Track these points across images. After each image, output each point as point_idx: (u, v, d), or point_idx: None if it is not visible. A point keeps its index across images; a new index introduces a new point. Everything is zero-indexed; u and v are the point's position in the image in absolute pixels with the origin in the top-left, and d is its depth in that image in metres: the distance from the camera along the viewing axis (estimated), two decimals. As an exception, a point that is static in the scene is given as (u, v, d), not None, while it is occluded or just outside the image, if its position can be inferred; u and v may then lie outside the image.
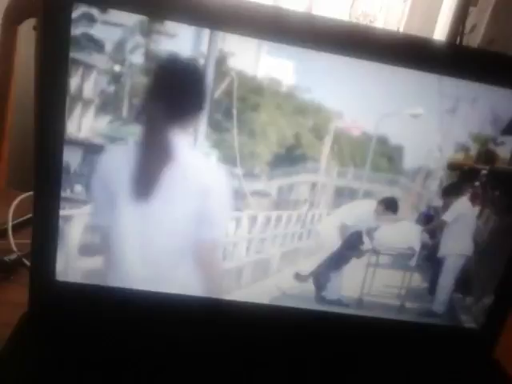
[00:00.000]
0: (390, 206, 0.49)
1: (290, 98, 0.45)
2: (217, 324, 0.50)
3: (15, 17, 0.90)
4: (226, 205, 0.47)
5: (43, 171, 0.45)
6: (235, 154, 0.45)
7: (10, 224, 0.66)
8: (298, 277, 0.49)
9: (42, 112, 0.43)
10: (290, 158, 0.46)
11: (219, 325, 0.50)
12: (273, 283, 0.50)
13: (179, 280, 0.49)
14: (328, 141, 0.46)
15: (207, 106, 0.44)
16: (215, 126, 0.45)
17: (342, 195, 0.48)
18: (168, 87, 0.44)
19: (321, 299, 0.52)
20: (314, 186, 0.48)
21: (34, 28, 0.90)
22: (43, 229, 0.47)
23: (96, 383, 0.43)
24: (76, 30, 0.42)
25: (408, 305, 0.54)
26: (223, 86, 0.44)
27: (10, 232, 0.65)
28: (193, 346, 0.49)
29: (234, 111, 0.44)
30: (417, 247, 0.52)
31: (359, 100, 0.45)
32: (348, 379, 0.50)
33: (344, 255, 0.50)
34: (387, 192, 0.49)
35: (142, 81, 0.43)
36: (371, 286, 0.52)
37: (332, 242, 0.50)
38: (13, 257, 0.61)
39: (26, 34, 0.93)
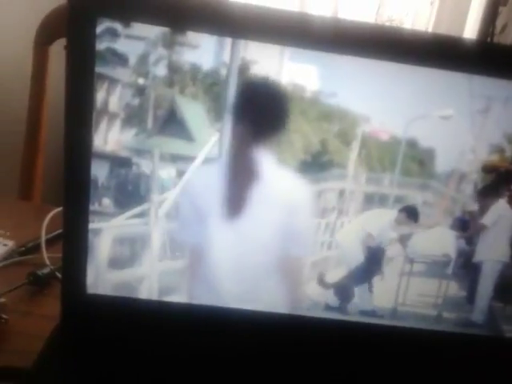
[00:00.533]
0: (411, 214, 0.48)
1: (315, 104, 0.44)
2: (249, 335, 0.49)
3: (46, 37, 0.93)
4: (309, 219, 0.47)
5: (71, 185, 0.46)
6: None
7: (44, 238, 0.67)
8: (322, 283, 0.48)
9: (69, 126, 0.44)
10: (316, 164, 0.46)
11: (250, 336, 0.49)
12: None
13: (263, 296, 0.49)
14: (355, 146, 0.45)
15: (230, 115, 0.44)
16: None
17: (372, 202, 0.47)
18: (252, 106, 0.44)
19: (352, 310, 0.51)
20: (342, 193, 0.47)
21: (65, 47, 0.92)
22: (73, 242, 0.47)
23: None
24: (100, 45, 0.42)
25: (445, 314, 0.51)
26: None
27: (43, 246, 0.66)
28: (233, 355, 0.48)
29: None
30: (453, 254, 0.50)
31: (387, 103, 0.44)
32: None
33: (370, 267, 0.49)
34: (419, 197, 0.47)
35: (214, 98, 0.43)
36: (406, 296, 0.50)
37: (356, 253, 0.49)
38: (46, 270, 0.62)
39: (58, 54, 0.96)
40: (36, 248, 0.67)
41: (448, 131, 0.45)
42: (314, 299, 0.50)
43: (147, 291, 0.48)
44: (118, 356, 0.47)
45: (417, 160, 0.46)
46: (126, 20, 0.42)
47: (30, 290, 0.60)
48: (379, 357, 0.51)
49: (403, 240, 0.49)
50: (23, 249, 0.67)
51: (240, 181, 0.45)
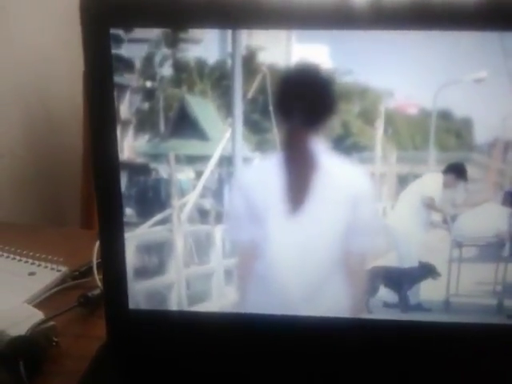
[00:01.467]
0: (459, 172, 0.42)
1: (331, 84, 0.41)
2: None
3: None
4: (373, 210, 0.44)
5: (103, 198, 0.45)
6: (279, 154, 0.42)
7: (95, 261, 0.68)
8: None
9: (94, 138, 0.43)
10: (340, 149, 0.42)
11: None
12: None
13: (328, 297, 0.46)
14: (380, 124, 0.41)
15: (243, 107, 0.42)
16: (253, 128, 0.42)
17: (407, 183, 0.43)
18: (297, 95, 0.42)
19: (401, 306, 0.46)
20: (372, 176, 0.43)
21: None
22: (110, 257, 0.47)
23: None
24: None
25: (507, 303, 0.46)
26: (255, 83, 0.41)
27: (94, 269, 0.67)
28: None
29: (271, 108, 0.41)
30: (507, 233, 0.44)
31: (410, 73, 0.40)
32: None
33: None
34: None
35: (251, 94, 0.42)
36: (458, 285, 0.45)
37: (402, 237, 0.45)
38: (96, 292, 0.62)
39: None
40: (88, 272, 0.68)
41: (484, 96, 0.40)
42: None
43: (177, 299, 0.47)
44: (164, 372, 0.46)
45: (453, 132, 0.41)
46: (133, 27, 0.42)
47: (81, 313, 0.61)
48: (433, 357, 0.46)
49: (446, 221, 0.44)
50: (76, 273, 0.69)
51: (295, 173, 0.42)
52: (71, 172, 1.16)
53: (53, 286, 0.67)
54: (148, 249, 0.47)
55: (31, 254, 0.75)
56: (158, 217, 0.45)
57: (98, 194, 0.45)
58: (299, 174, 0.42)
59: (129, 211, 0.45)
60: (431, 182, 0.42)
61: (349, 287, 0.45)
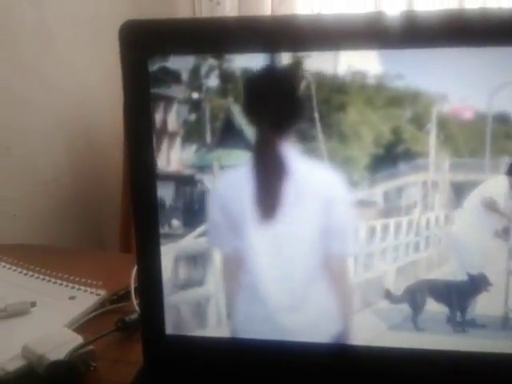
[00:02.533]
0: None
1: (380, 90, 0.40)
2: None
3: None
4: (348, 214, 0.43)
5: (139, 211, 0.45)
6: (326, 164, 0.41)
7: (133, 285, 0.67)
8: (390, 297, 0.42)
9: (131, 151, 0.44)
10: (391, 157, 0.41)
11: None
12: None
13: (313, 304, 0.44)
14: (433, 130, 0.40)
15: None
16: (298, 136, 0.41)
17: (462, 191, 0.41)
18: (268, 101, 0.42)
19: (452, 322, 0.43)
20: (425, 185, 0.41)
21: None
22: (147, 277, 0.47)
23: None
24: (153, 67, 0.42)
25: None
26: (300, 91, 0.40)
27: (132, 293, 0.66)
28: None
29: (316, 116, 0.40)
30: None
31: (465, 75, 0.39)
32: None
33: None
34: (521, 179, 0.40)
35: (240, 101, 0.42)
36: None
37: (459, 248, 0.42)
38: (133, 316, 0.61)
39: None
40: (126, 296, 0.68)
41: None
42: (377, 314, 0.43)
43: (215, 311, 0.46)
44: None
45: (511, 136, 0.40)
46: (173, 55, 0.42)
47: (119, 337, 0.60)
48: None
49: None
50: (114, 297, 0.69)
51: (266, 179, 0.42)
52: (111, 197, 1.18)
53: (92, 310, 0.67)
54: (187, 262, 0.46)
55: (71, 277, 0.76)
56: (202, 228, 0.44)
57: (134, 210, 0.45)
58: (271, 180, 0.42)
59: (175, 223, 0.45)
60: (494, 185, 0.40)
61: (334, 292, 0.44)
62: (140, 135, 0.44)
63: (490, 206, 0.41)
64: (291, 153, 0.41)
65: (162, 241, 0.45)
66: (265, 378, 0.45)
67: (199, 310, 0.47)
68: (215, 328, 0.46)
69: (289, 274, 0.44)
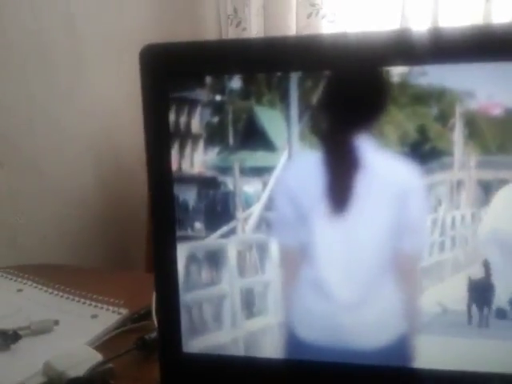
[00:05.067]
0: None
1: (405, 87, 0.39)
2: None
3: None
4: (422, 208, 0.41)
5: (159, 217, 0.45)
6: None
7: (154, 304, 0.66)
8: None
9: (149, 154, 0.44)
10: (417, 156, 0.40)
11: None
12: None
13: (377, 304, 0.42)
14: (460, 127, 0.39)
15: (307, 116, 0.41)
16: (319, 137, 0.41)
17: (490, 189, 0.39)
18: (339, 92, 0.41)
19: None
20: (451, 183, 0.40)
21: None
22: (163, 285, 0.46)
23: None
24: (174, 93, 0.43)
25: None
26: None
27: (153, 311, 0.65)
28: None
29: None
30: None
31: (491, 71, 0.38)
32: None
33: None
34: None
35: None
36: None
37: (487, 250, 0.40)
38: (153, 335, 0.61)
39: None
40: (148, 315, 0.67)
41: None
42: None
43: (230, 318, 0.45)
44: None
45: (542, 133, 0.38)
46: (193, 87, 0.43)
47: (139, 356, 0.60)
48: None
49: None
50: (136, 316, 0.69)
51: (339, 172, 0.41)
52: (137, 218, 1.20)
53: (113, 328, 0.67)
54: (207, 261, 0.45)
55: (95, 296, 0.76)
56: (223, 229, 0.43)
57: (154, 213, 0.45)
58: (343, 173, 0.41)
59: (198, 225, 0.45)
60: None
61: (400, 291, 0.42)
62: (157, 140, 0.44)
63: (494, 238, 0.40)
64: (363, 145, 0.40)
65: (180, 245, 0.45)
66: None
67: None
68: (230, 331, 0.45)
69: (355, 271, 0.42)
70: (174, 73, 0.43)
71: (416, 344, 0.42)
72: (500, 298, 0.40)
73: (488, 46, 0.38)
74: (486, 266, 0.39)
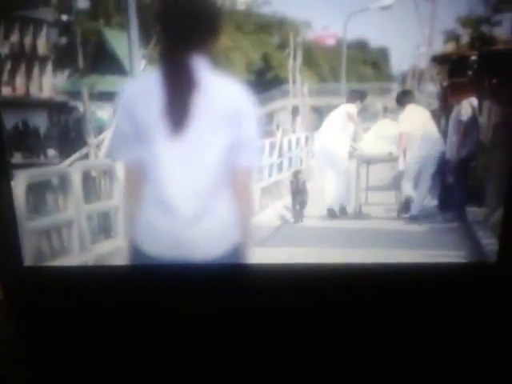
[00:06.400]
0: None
1: (250, 15, 0.41)
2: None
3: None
4: (255, 128, 0.44)
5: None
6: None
7: None
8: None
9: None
10: (261, 83, 0.43)
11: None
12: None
13: (216, 215, 0.45)
14: (299, 56, 0.42)
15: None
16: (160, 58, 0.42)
17: (321, 114, 0.44)
18: (176, 15, 0.42)
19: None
20: (294, 109, 0.44)
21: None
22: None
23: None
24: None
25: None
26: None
27: None
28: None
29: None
30: None
31: (328, 2, 0.41)
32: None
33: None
34: (379, 104, 0.44)
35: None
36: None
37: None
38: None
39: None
40: None
41: (394, 24, 0.41)
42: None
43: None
44: (57, 321, 0.45)
45: (369, 63, 0.43)
46: None
47: None
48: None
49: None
50: None
51: (175, 92, 0.42)
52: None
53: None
54: (42, 190, 0.45)
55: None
56: (76, 156, 0.44)
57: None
58: (180, 93, 0.42)
59: (52, 152, 0.44)
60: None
61: (237, 205, 0.46)
62: None
63: (351, 117, 0.45)
64: (201, 68, 0.41)
65: (18, 173, 0.44)
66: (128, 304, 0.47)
67: (60, 237, 0.47)
68: (78, 255, 0.47)
69: (195, 187, 0.44)
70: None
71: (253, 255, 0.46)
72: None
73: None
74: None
